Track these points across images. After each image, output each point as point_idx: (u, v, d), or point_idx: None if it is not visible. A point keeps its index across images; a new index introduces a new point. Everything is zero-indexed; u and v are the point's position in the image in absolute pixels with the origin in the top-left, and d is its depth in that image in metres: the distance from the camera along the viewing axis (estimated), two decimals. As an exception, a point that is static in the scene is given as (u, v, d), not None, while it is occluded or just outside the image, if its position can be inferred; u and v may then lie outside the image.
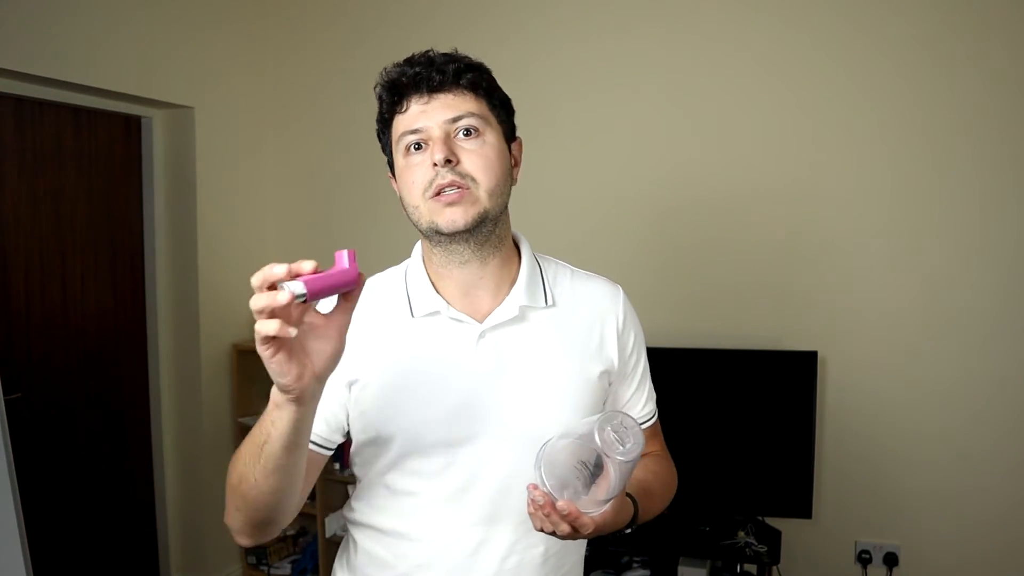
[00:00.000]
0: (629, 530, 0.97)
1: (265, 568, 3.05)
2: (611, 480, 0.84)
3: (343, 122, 3.11)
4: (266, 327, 0.66)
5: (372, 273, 1.10)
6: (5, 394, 2.00)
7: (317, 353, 0.74)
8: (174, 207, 2.94)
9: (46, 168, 2.56)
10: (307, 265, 0.69)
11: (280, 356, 0.70)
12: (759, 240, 2.52)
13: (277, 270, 0.67)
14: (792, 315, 2.49)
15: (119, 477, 2.84)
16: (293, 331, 0.67)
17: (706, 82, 2.56)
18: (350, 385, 0.98)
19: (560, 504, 0.82)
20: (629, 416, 0.85)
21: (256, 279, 0.67)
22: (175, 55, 2.78)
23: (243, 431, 3.06)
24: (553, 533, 0.86)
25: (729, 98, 2.53)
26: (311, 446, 0.97)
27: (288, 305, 0.66)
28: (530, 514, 0.86)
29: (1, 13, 2.20)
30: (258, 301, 0.66)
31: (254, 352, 3.37)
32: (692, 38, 2.57)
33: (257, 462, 0.82)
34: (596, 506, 0.85)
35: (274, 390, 0.76)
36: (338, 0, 3.09)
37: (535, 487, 0.85)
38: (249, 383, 3.11)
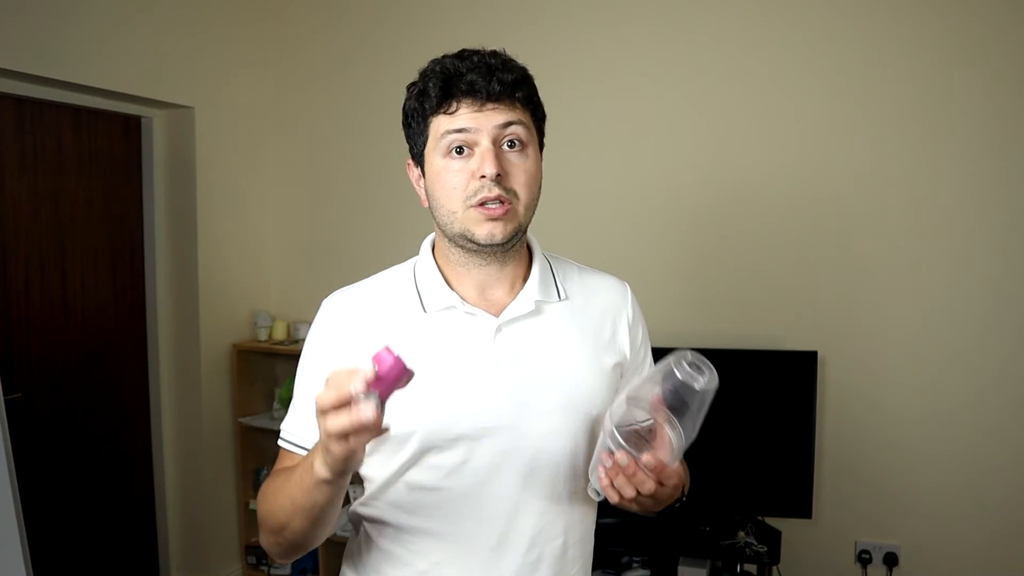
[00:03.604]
0: (684, 499, 0.99)
1: (265, 568, 3.05)
2: (683, 428, 0.83)
3: (344, 122, 3.11)
4: (343, 427, 0.72)
5: (374, 271, 1.10)
6: (5, 394, 2.00)
7: None
8: (174, 207, 2.94)
9: (46, 168, 2.56)
10: (369, 373, 0.72)
11: (357, 449, 0.75)
12: (759, 240, 2.52)
13: (354, 387, 0.71)
14: (792, 315, 2.49)
15: (119, 477, 2.84)
16: (386, 428, 0.74)
17: (709, 84, 2.56)
18: None
19: (645, 459, 0.82)
20: (694, 352, 0.85)
21: (329, 399, 0.72)
22: (175, 55, 2.78)
23: (243, 431, 3.06)
24: (634, 499, 0.85)
25: (733, 100, 2.53)
26: None
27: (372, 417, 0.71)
28: (605, 487, 0.86)
29: (1, 13, 2.21)
30: (340, 422, 0.72)
31: (254, 352, 3.36)
32: (700, 39, 2.57)
33: (304, 518, 0.87)
34: (671, 458, 0.85)
35: (320, 468, 0.79)
36: (338, 0, 3.10)
37: (610, 454, 0.84)
38: (249, 383, 3.11)
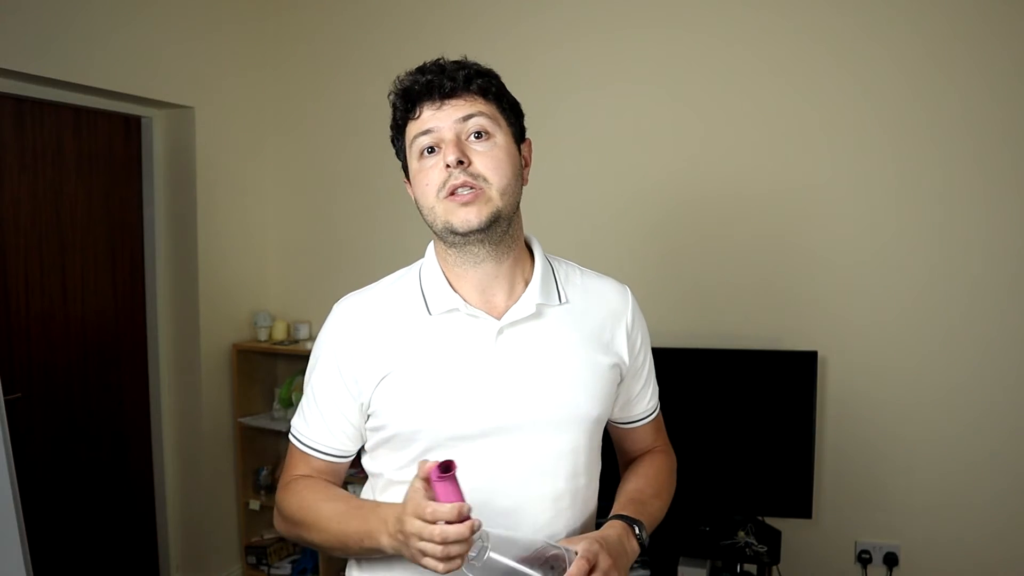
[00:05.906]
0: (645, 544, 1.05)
1: (265, 568, 3.05)
2: None
3: (343, 121, 3.11)
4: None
5: (378, 274, 1.11)
6: (5, 394, 2.00)
7: None
8: (174, 207, 2.94)
9: (46, 168, 2.56)
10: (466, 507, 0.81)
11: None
12: (759, 240, 2.52)
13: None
14: (792, 315, 2.49)
15: (119, 477, 2.84)
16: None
17: (708, 82, 2.56)
18: (374, 385, 1.00)
19: None
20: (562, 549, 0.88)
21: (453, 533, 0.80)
22: (175, 55, 2.78)
23: (243, 431, 3.06)
24: None
25: (731, 98, 2.53)
26: (334, 459, 1.07)
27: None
28: None
29: (1, 13, 2.21)
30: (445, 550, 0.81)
31: (254, 352, 3.35)
32: (695, 38, 2.57)
33: (337, 549, 0.98)
34: None
35: (387, 547, 0.89)
36: (338, 0, 3.10)
37: None
38: (249, 383, 3.11)
